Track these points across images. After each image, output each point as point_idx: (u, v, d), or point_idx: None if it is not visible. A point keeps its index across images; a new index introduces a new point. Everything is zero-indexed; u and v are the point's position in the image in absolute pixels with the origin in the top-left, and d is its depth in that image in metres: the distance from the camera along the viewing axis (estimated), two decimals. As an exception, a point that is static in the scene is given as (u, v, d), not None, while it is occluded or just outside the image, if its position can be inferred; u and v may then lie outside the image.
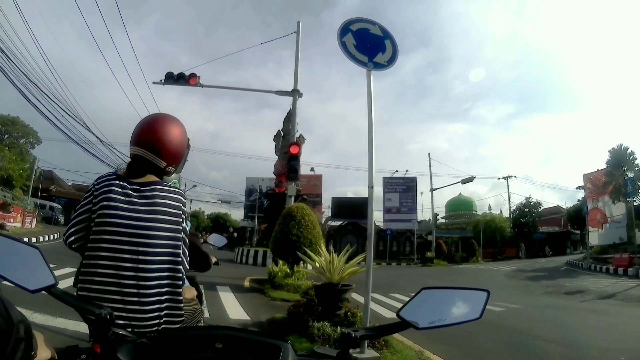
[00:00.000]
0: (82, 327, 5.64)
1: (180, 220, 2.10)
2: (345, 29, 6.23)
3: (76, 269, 2.08)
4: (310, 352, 1.23)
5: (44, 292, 1.16)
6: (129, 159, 2.23)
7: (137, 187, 2.07)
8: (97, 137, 28.72)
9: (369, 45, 6.26)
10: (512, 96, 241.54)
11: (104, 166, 31.04)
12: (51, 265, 1.17)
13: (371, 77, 6.21)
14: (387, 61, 6.28)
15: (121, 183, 2.06)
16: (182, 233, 2.12)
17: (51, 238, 25.09)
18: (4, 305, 0.78)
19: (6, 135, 50.39)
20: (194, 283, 3.44)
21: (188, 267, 2.17)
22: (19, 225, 29.34)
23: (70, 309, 1.32)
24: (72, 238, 2.02)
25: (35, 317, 6.49)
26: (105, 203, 1.98)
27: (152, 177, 2.15)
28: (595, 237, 40.22)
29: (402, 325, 1.21)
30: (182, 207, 2.14)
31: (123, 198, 2.01)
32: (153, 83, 17.53)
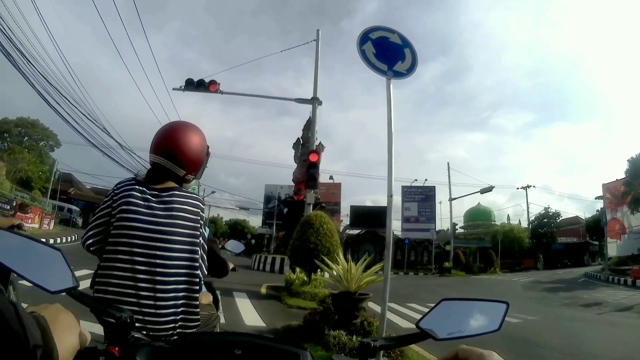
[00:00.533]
0: (96, 329, 5.68)
1: (199, 225, 2.12)
2: (364, 37, 6.21)
3: (93, 272, 2.10)
4: None
5: (60, 294, 1.17)
6: (148, 164, 2.25)
7: (156, 193, 2.09)
8: (116, 141, 28.98)
9: (389, 53, 6.22)
10: (532, 105, 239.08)
11: (123, 170, 31.39)
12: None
13: (391, 85, 6.19)
14: (407, 70, 6.24)
15: (140, 188, 2.08)
16: (201, 239, 2.13)
17: (69, 240, 25.26)
18: (18, 313, 0.74)
19: (26, 138, 51.27)
20: (210, 289, 3.46)
21: (206, 272, 2.18)
22: (36, 226, 29.49)
23: (84, 311, 1.33)
24: (90, 241, 2.06)
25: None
26: (124, 207, 2.01)
27: (171, 183, 2.17)
28: (613, 248, 39.61)
29: (421, 336, 1.19)
30: (201, 213, 2.15)
31: (142, 203, 2.04)
32: (173, 89, 17.65)
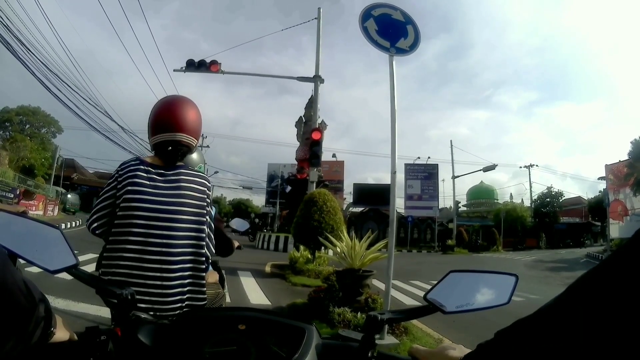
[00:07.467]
0: (104, 312, 5.73)
1: (205, 204, 2.10)
2: (366, 14, 6.17)
3: (98, 255, 2.09)
4: (335, 335, 1.21)
5: (67, 275, 1.15)
6: (149, 147, 2.22)
7: (162, 172, 2.07)
8: (118, 124, 28.85)
9: (391, 30, 6.19)
10: (535, 83, 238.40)
11: (126, 153, 31.25)
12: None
13: (393, 62, 6.14)
14: (410, 46, 6.20)
15: (145, 168, 2.06)
16: (207, 217, 2.11)
17: (73, 225, 25.51)
18: (26, 285, 0.80)
19: (27, 126, 51.28)
20: (216, 267, 3.46)
21: (214, 251, 2.17)
22: (41, 212, 29.73)
23: (92, 294, 1.32)
24: (96, 224, 2.02)
25: (57, 302, 6.59)
26: (130, 188, 1.98)
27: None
28: (615, 229, 39.23)
29: (428, 309, 1.17)
30: (207, 192, 2.14)
31: (148, 183, 2.01)
32: (174, 70, 17.69)
